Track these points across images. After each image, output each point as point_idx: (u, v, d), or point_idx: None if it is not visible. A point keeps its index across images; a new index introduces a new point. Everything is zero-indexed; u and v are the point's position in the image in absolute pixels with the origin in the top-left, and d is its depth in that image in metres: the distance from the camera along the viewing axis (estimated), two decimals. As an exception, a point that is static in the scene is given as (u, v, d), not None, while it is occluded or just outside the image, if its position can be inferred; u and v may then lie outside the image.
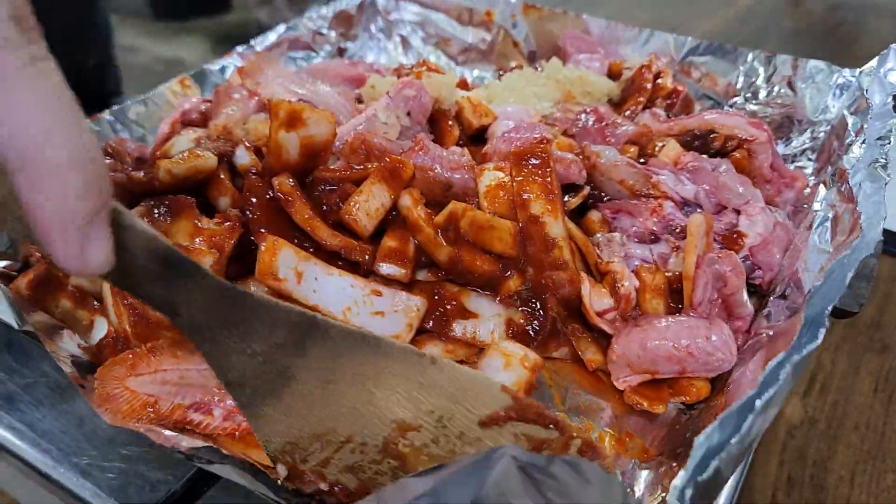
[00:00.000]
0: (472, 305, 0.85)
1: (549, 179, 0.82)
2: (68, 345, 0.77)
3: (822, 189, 0.91)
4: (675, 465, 0.70)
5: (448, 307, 0.83)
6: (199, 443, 0.64)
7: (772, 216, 0.89)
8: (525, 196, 0.82)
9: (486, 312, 0.84)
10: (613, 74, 1.19)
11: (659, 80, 1.11)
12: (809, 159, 1.03)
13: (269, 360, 0.58)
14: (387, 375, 0.60)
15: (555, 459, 0.50)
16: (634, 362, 0.78)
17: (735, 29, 1.62)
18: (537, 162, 0.83)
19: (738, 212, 0.90)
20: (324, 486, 0.62)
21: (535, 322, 0.84)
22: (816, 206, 0.89)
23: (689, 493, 0.49)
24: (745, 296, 0.81)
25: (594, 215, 0.92)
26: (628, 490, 0.62)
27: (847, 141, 0.93)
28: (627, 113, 1.07)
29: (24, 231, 0.47)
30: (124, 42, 2.09)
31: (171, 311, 0.54)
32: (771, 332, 0.76)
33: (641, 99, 1.08)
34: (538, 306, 0.85)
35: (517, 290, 0.85)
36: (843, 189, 0.81)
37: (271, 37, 1.32)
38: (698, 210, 0.90)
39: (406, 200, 0.83)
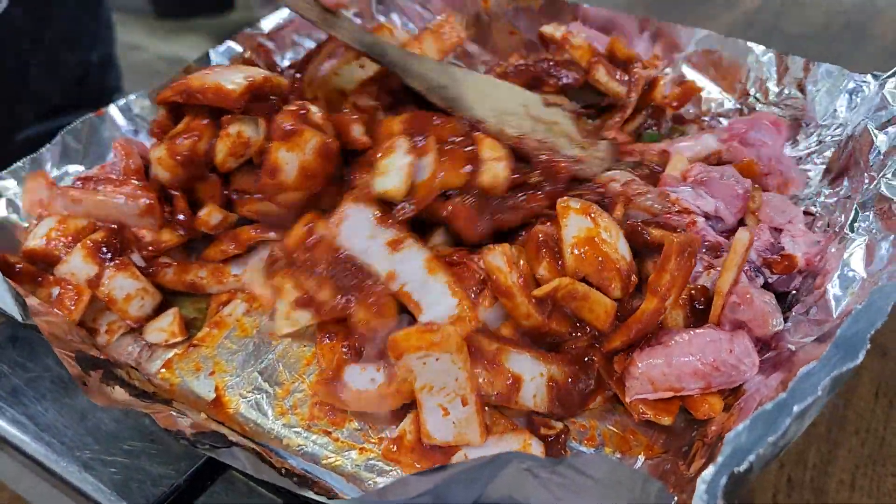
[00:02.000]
0: (514, 365, 0.76)
1: (689, 274, 0.77)
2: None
3: (852, 210, 0.87)
4: (681, 463, 0.70)
5: (488, 368, 0.75)
6: (205, 426, 0.64)
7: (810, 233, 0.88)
8: (666, 290, 0.75)
9: (527, 373, 0.76)
10: None
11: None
12: (815, 163, 1.01)
13: (444, 72, 0.99)
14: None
15: (561, 461, 0.51)
16: (658, 380, 0.75)
17: (739, 31, 1.62)
18: (688, 255, 0.76)
19: (777, 230, 0.89)
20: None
21: (581, 381, 0.78)
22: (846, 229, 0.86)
23: (722, 482, 0.50)
24: (772, 327, 0.80)
25: None
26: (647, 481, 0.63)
27: (871, 157, 0.90)
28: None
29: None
30: (127, 40, 2.09)
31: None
32: (793, 347, 0.76)
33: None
34: (586, 362, 0.79)
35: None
36: (885, 217, 0.80)
37: (277, 18, 1.27)
38: (719, 223, 0.89)
39: (498, 260, 0.76)
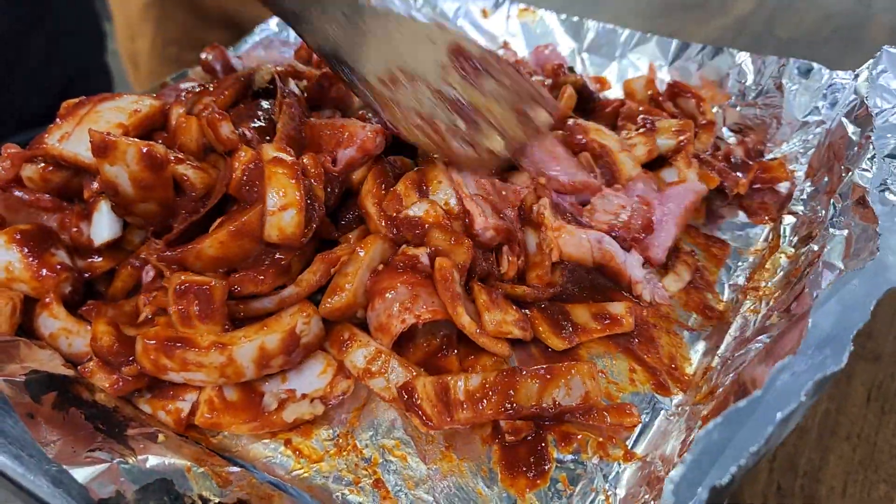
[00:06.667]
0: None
1: None
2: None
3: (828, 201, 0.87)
4: (661, 471, 0.69)
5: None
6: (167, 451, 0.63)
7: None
8: None
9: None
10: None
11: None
12: (801, 163, 1.00)
13: (349, 22, 0.85)
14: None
15: None
16: None
17: (730, 37, 1.61)
18: None
19: None
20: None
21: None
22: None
23: (699, 491, 0.50)
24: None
25: None
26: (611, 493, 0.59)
27: (849, 152, 0.89)
28: None
29: None
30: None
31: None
32: (768, 340, 0.74)
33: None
34: None
35: None
36: (859, 208, 0.78)
37: (257, 36, 1.29)
38: None
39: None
